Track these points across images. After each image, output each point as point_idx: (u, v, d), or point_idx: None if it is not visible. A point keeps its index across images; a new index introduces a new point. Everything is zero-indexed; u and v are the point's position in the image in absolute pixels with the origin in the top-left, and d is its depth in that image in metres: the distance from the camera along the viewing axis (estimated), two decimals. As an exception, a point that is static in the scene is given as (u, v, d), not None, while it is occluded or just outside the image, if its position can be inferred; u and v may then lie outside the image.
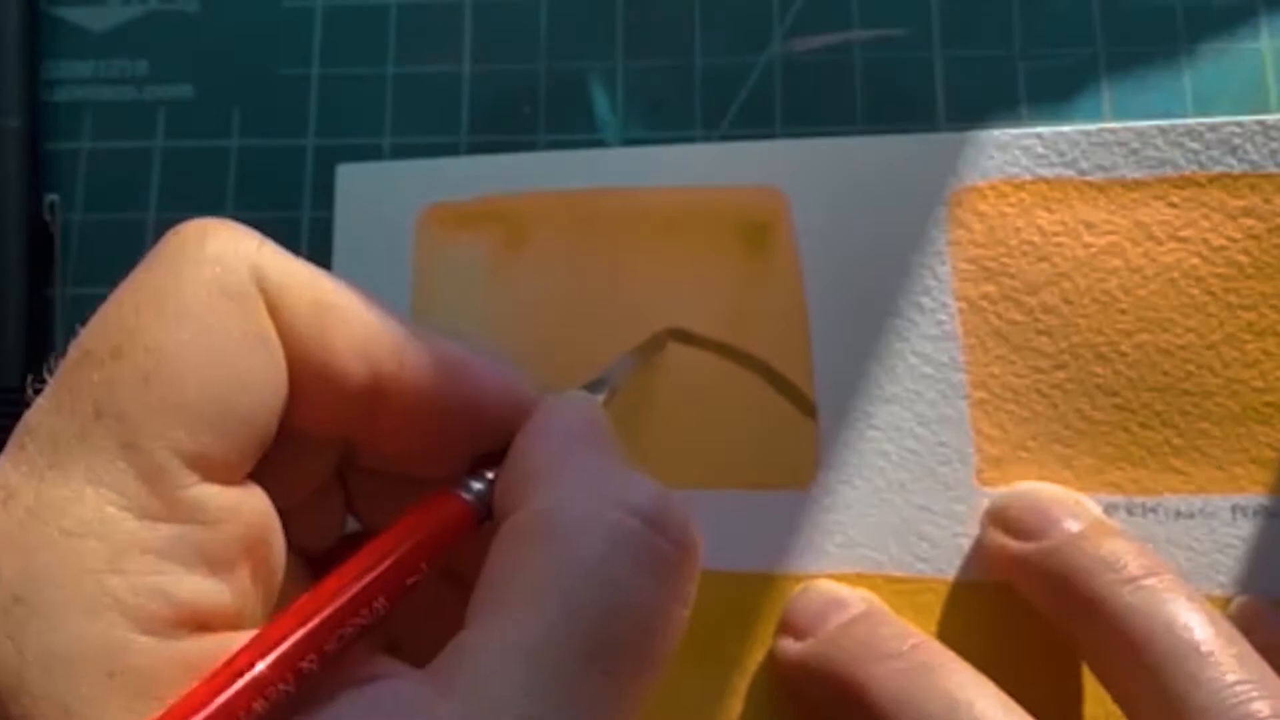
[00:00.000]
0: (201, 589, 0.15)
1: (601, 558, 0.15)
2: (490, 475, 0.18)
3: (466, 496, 0.17)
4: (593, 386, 0.22)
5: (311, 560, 0.19)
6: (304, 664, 0.14)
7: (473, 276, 0.26)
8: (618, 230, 0.26)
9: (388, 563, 0.16)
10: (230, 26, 0.29)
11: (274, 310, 0.16)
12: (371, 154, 0.28)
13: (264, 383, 0.16)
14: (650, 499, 0.16)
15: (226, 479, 0.15)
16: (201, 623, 0.14)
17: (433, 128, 0.28)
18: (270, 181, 0.28)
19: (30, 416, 0.15)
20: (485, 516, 0.18)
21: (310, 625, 0.15)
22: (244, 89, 0.29)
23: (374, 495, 0.19)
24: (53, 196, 0.28)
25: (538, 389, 0.19)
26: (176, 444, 0.15)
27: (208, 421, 0.15)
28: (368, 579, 0.16)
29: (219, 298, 0.16)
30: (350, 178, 0.27)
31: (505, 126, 0.28)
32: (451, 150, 0.28)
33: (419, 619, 0.17)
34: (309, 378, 0.17)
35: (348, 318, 0.17)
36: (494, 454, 0.18)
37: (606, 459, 0.17)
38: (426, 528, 0.17)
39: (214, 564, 0.15)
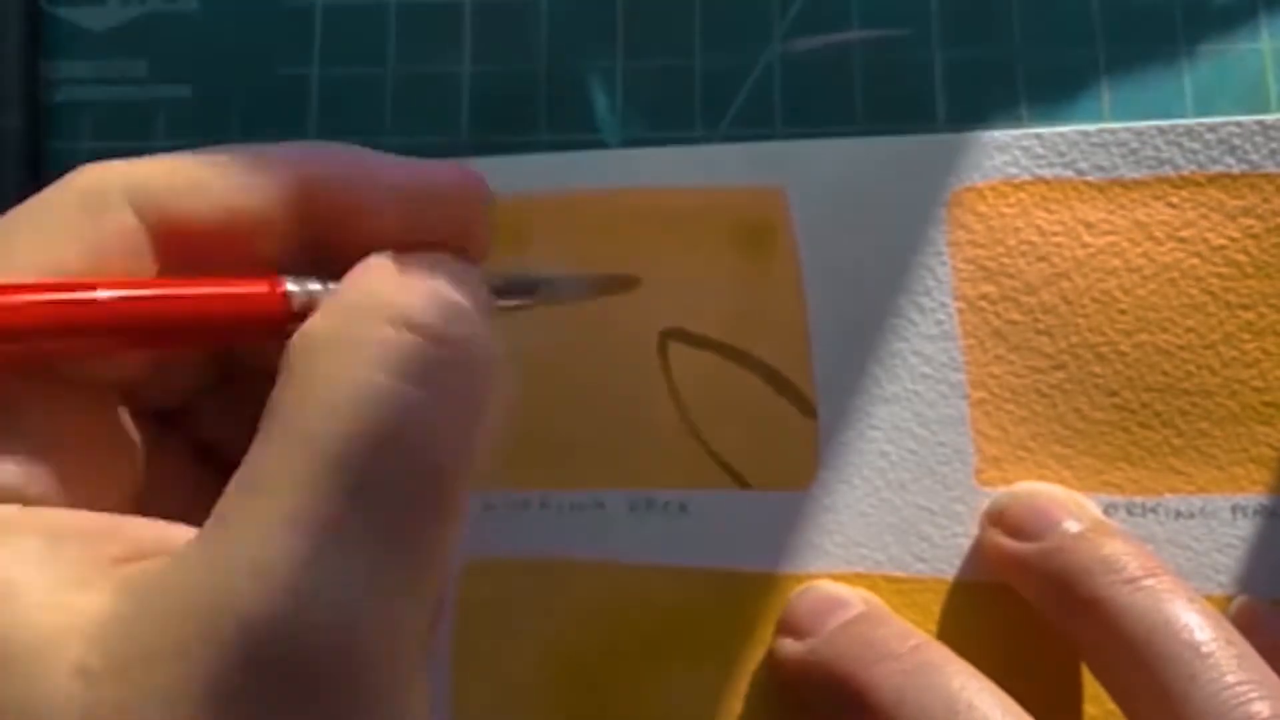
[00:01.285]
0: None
1: (344, 371, 0.14)
2: (331, 284, 0.17)
3: (291, 287, 0.16)
4: (512, 284, 0.20)
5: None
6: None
7: (473, 277, 0.26)
8: (617, 230, 0.26)
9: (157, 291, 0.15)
10: (230, 26, 0.29)
11: (159, 208, 0.16)
12: (371, 154, 0.28)
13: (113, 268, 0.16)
14: (423, 307, 0.15)
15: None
16: None
17: (433, 128, 0.28)
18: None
19: None
20: (290, 321, 0.16)
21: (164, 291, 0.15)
22: (244, 89, 0.29)
23: None
24: None
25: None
26: None
27: None
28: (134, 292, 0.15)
29: (76, 209, 0.16)
30: (350, 178, 0.27)
31: (505, 126, 0.28)
32: (451, 150, 0.28)
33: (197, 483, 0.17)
34: (221, 246, 0.16)
35: (232, 173, 0.17)
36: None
37: (403, 274, 0.16)
38: (226, 291, 0.16)
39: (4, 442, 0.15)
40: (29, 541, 0.14)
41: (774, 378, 0.25)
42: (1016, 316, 0.25)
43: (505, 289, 0.19)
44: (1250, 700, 0.19)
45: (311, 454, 0.14)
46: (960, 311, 0.25)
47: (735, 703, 0.24)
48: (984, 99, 0.27)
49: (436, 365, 0.15)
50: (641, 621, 0.24)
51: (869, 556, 0.24)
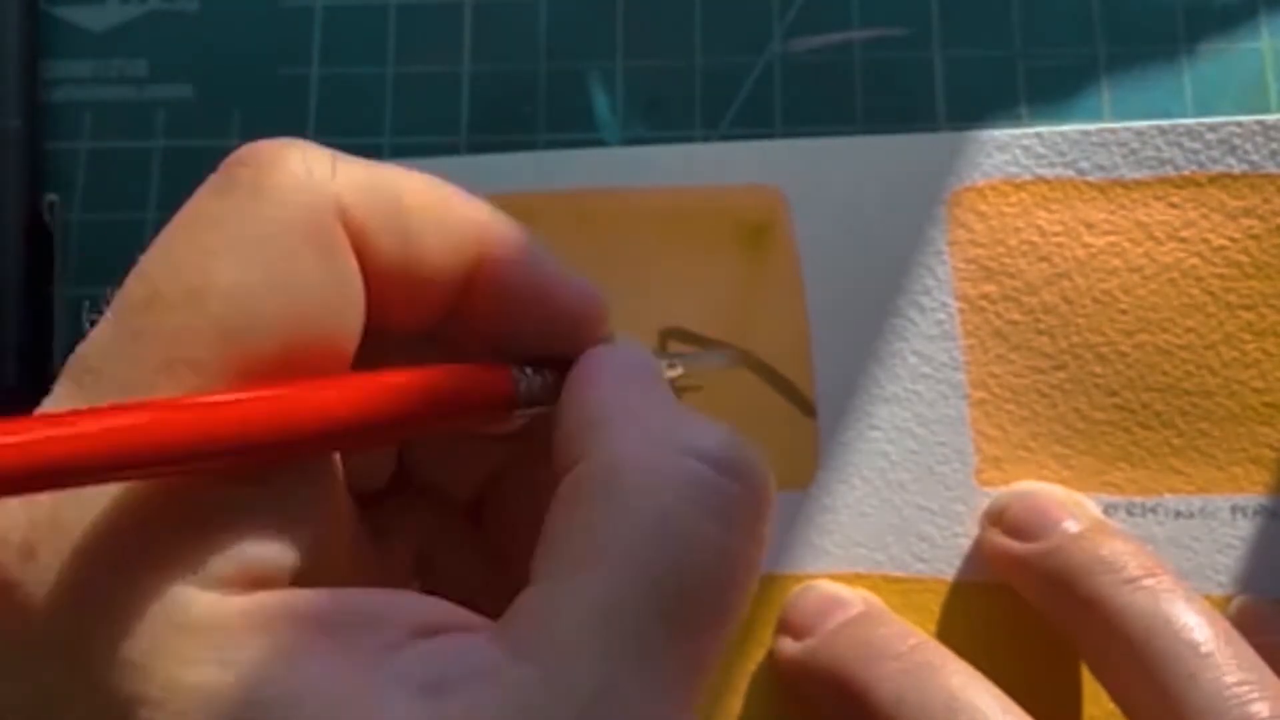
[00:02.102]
0: (266, 550, 0.14)
1: (669, 508, 0.15)
2: (547, 374, 0.17)
3: (515, 375, 0.17)
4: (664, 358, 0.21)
5: (364, 503, 0.18)
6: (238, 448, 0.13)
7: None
8: (617, 230, 0.26)
9: (400, 379, 0.15)
10: (230, 26, 0.29)
11: (356, 235, 0.16)
12: (371, 154, 0.28)
13: (343, 328, 0.15)
14: (715, 441, 0.16)
15: None
16: (264, 580, 0.14)
17: (433, 128, 0.28)
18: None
19: (89, 353, 0.14)
20: (526, 406, 0.17)
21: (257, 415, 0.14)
22: (244, 89, 0.29)
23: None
24: (52, 196, 0.28)
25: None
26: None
27: (278, 370, 0.14)
28: (371, 386, 0.15)
29: (299, 241, 0.15)
30: (350, 178, 0.27)
31: (505, 126, 0.28)
32: (451, 150, 0.28)
33: (451, 552, 0.17)
34: (394, 292, 0.16)
35: (429, 222, 0.16)
36: (557, 360, 0.18)
37: (665, 403, 0.17)
38: (463, 378, 0.16)
39: (282, 525, 0.14)
40: (288, 634, 0.13)
41: (774, 377, 0.25)
42: (1017, 316, 0.25)
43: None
44: (1250, 700, 0.19)
45: (646, 588, 0.14)
46: (961, 311, 0.25)
47: (735, 702, 0.24)
48: (984, 98, 0.27)
49: (739, 504, 0.15)
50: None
51: (869, 556, 0.24)
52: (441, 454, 0.19)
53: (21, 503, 0.13)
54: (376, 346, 0.17)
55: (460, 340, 0.18)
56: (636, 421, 0.16)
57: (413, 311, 0.17)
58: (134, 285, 0.15)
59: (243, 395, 0.14)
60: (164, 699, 0.13)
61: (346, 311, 0.15)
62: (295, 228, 0.15)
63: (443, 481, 0.19)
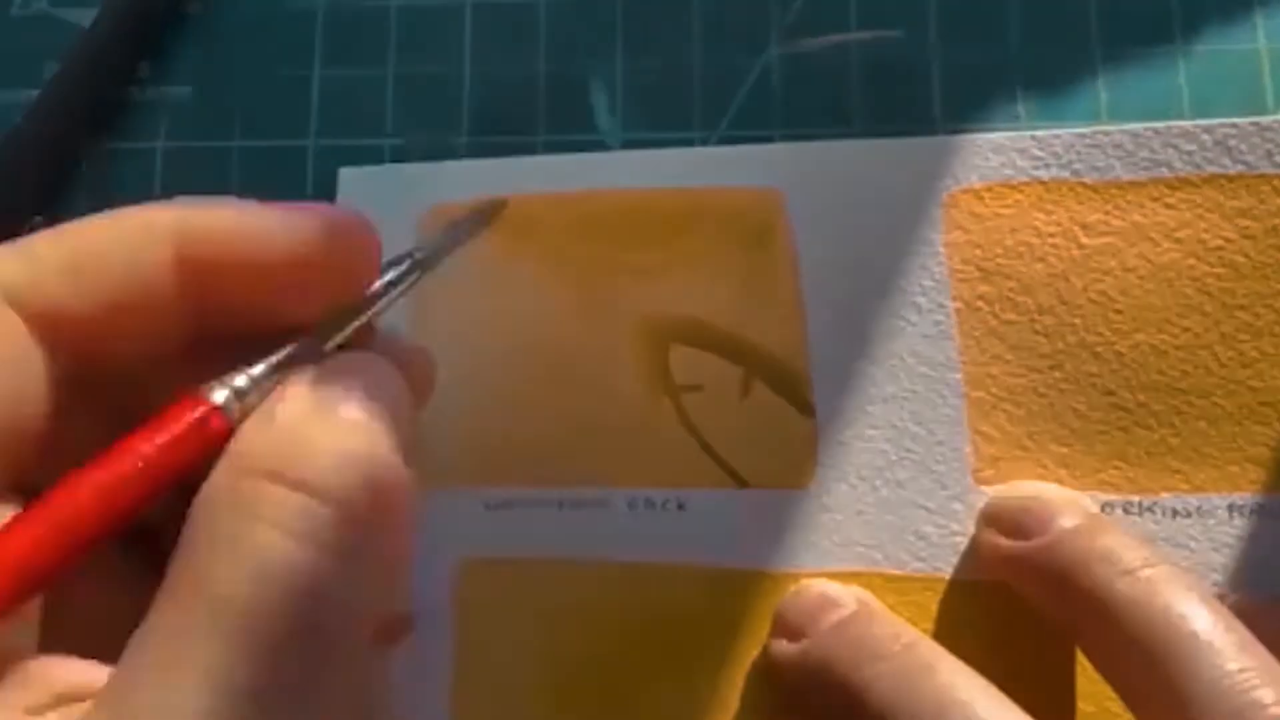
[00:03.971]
0: None
1: (242, 533, 0.14)
2: (255, 371, 0.16)
3: (218, 400, 0.16)
4: (402, 264, 0.20)
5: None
6: None
7: (473, 278, 0.26)
8: (617, 232, 0.26)
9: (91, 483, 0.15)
10: (230, 26, 0.30)
11: (22, 304, 0.16)
12: (372, 155, 0.28)
13: (13, 402, 0.15)
14: (308, 461, 0.15)
15: None
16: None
17: (433, 128, 0.28)
18: (270, 182, 0.28)
19: None
20: (233, 426, 0.16)
21: None
22: (246, 90, 0.29)
23: None
24: (37, 218, 0.28)
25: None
26: None
27: None
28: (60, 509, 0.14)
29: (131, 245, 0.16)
30: (352, 181, 0.27)
31: (505, 127, 0.28)
32: (451, 152, 0.28)
33: None
34: (110, 327, 0.16)
35: (98, 254, 0.16)
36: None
37: (297, 421, 0.16)
38: (160, 438, 0.15)
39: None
40: None
41: (772, 377, 0.25)
42: (1013, 317, 0.25)
43: (395, 279, 0.19)
44: (1254, 687, 0.19)
45: (214, 617, 0.14)
46: (958, 312, 0.25)
47: (733, 700, 0.24)
48: (981, 100, 0.27)
49: (326, 522, 0.15)
50: (639, 620, 0.25)
51: (866, 555, 0.24)
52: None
53: None
54: (95, 398, 0.17)
55: (227, 330, 0.17)
56: (249, 446, 0.16)
57: (151, 332, 0.17)
58: None
59: None
60: None
61: (17, 384, 0.15)
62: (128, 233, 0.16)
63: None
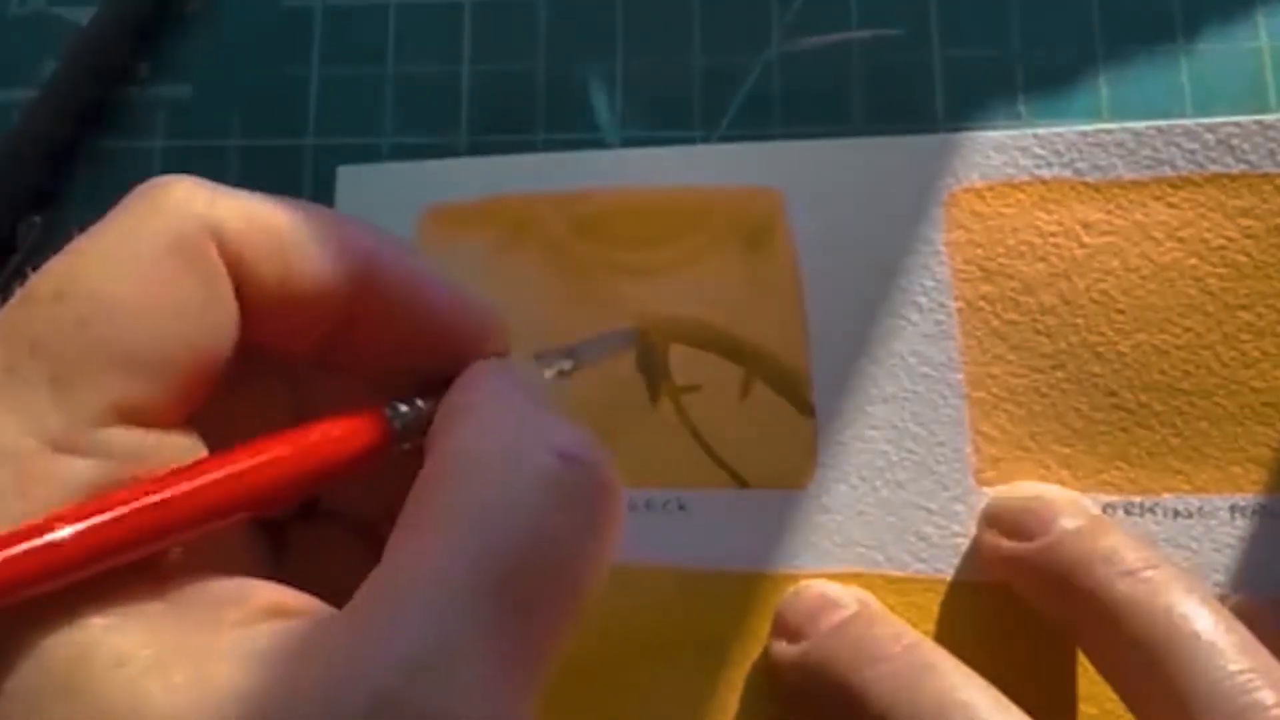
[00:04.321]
0: None
1: (521, 492, 0.15)
2: (421, 403, 0.18)
3: (388, 414, 0.17)
4: (551, 356, 0.22)
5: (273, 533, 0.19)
6: (137, 539, 0.14)
7: (473, 277, 0.26)
8: (617, 231, 0.26)
9: (274, 454, 0.16)
10: (230, 26, 0.30)
11: (233, 259, 0.16)
12: (371, 154, 0.28)
13: (203, 338, 0.16)
14: (568, 438, 0.16)
15: (155, 423, 0.15)
16: None
17: (433, 128, 0.28)
18: (270, 181, 0.28)
19: None
20: (404, 441, 0.17)
21: (155, 498, 0.14)
22: (244, 89, 0.29)
23: None
24: (35, 219, 0.28)
25: (500, 326, 0.19)
26: (102, 388, 0.15)
27: (139, 371, 0.15)
28: (245, 464, 0.15)
29: (165, 252, 0.16)
30: (351, 179, 0.27)
31: (505, 126, 0.28)
32: (451, 151, 0.28)
33: (333, 565, 0.17)
34: (276, 315, 0.17)
35: (309, 248, 0.17)
36: (442, 383, 0.18)
37: (526, 403, 0.17)
38: (336, 432, 0.16)
39: None
40: (149, 606, 0.14)
41: (773, 377, 0.25)
42: (1015, 316, 0.25)
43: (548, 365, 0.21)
44: (1255, 689, 0.19)
45: (483, 565, 0.14)
46: (959, 311, 0.25)
47: (733, 701, 0.24)
48: (982, 99, 0.27)
49: (586, 496, 0.16)
50: (640, 620, 0.24)
51: (867, 556, 0.24)
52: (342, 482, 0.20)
53: None
54: (263, 370, 0.18)
55: (352, 364, 0.18)
56: (492, 415, 0.17)
57: (297, 334, 0.17)
58: (14, 295, 0.16)
59: (103, 516, 0.14)
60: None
61: (211, 322, 0.16)
62: (162, 243, 0.16)
63: (347, 507, 0.19)
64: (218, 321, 0.16)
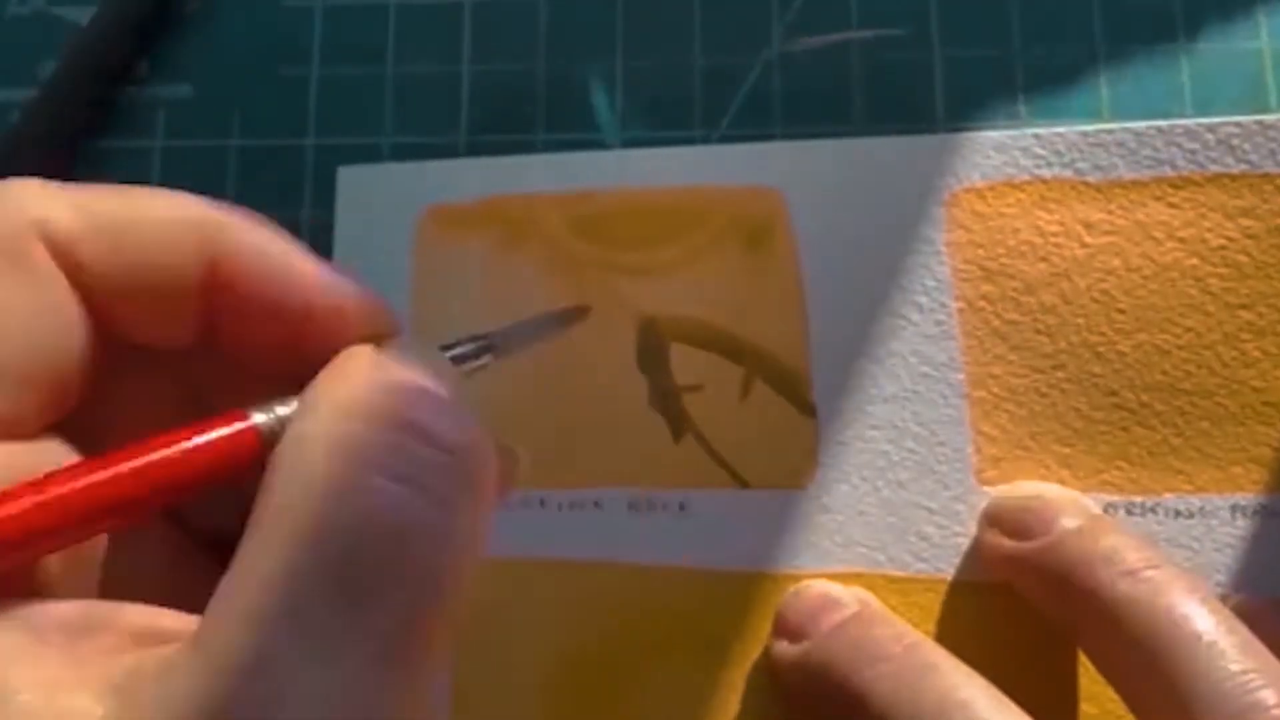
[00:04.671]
0: None
1: (338, 473, 0.14)
2: (283, 409, 0.16)
3: (259, 418, 0.16)
4: (464, 345, 0.20)
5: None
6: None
7: (472, 277, 0.26)
8: (618, 231, 0.26)
9: (127, 467, 0.15)
10: (230, 27, 0.29)
11: (64, 252, 0.16)
12: (371, 154, 0.28)
13: (44, 343, 0.15)
14: (426, 414, 0.15)
15: (10, 435, 0.15)
16: None
17: (432, 128, 0.28)
18: (270, 181, 0.28)
19: None
20: (266, 450, 0.16)
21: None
22: (244, 89, 0.29)
23: None
24: None
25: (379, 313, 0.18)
26: None
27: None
28: (96, 477, 0.14)
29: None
30: (351, 180, 0.27)
31: (505, 126, 0.28)
32: (450, 151, 0.28)
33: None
34: (125, 304, 0.16)
35: (146, 237, 0.16)
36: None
37: (390, 383, 0.16)
38: (202, 444, 0.15)
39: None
40: (13, 637, 0.14)
41: (773, 377, 0.25)
42: (1016, 316, 0.25)
43: (462, 357, 0.19)
44: (1256, 689, 0.18)
45: (313, 559, 0.14)
46: (960, 311, 0.25)
47: (734, 701, 0.24)
48: (983, 98, 0.27)
49: (431, 466, 0.15)
50: (641, 620, 0.24)
51: (868, 556, 0.24)
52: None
53: None
54: (144, 363, 0.17)
55: (235, 349, 0.17)
56: (338, 398, 0.15)
57: (162, 324, 0.17)
58: None
59: None
60: None
61: (52, 327, 0.16)
62: None
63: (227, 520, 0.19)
64: (57, 322, 0.16)
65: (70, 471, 0.15)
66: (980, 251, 0.25)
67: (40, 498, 0.14)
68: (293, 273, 0.17)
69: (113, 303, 0.16)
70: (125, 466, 0.15)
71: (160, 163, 0.29)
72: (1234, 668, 0.19)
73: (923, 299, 0.25)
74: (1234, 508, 0.24)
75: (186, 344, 0.17)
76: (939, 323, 0.25)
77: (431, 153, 0.28)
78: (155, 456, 0.15)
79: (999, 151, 0.26)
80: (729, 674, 0.24)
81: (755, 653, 0.24)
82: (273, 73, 0.29)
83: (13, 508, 0.14)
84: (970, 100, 0.27)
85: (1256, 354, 0.24)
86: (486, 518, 0.15)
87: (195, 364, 0.18)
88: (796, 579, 0.24)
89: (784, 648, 0.23)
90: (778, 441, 0.25)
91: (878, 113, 0.27)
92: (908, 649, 0.21)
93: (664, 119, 0.28)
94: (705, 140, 0.28)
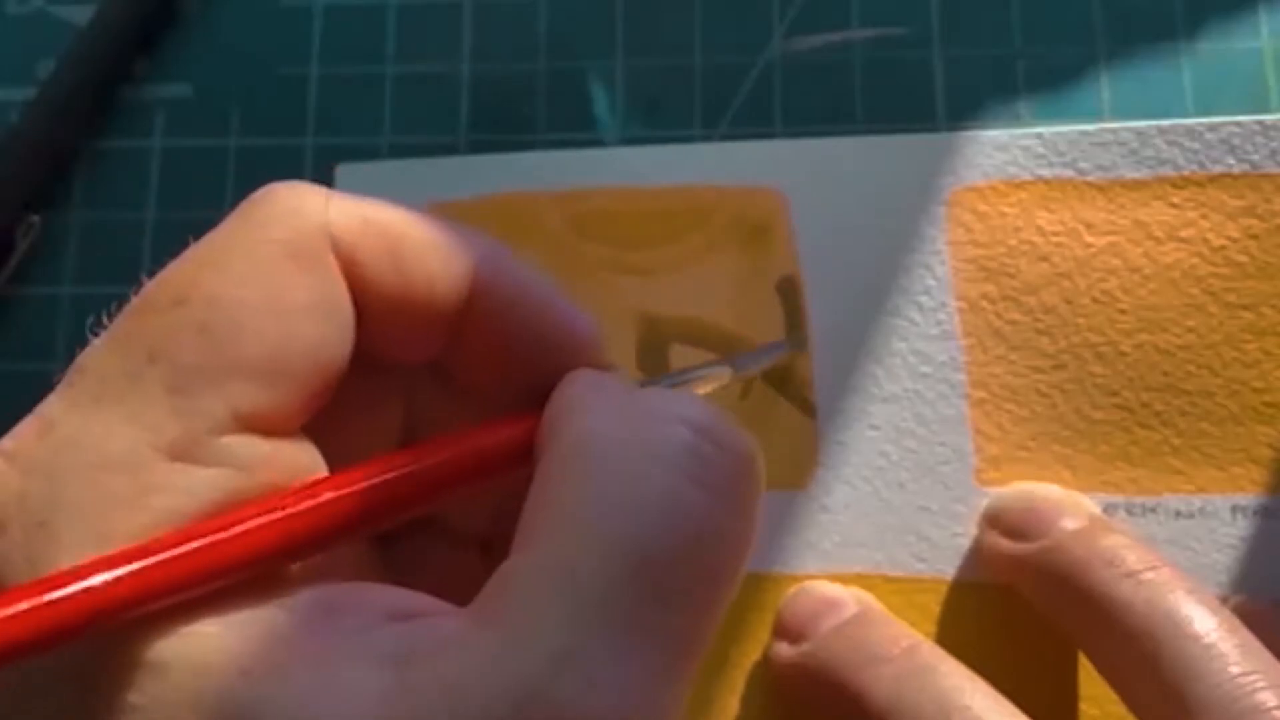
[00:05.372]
0: None
1: (644, 473, 0.14)
2: None
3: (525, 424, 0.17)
4: (700, 370, 0.21)
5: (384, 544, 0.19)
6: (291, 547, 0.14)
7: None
8: (617, 230, 0.26)
9: (420, 464, 0.15)
10: (230, 26, 0.29)
11: (348, 262, 0.16)
12: (370, 154, 0.28)
13: (323, 343, 0.16)
14: (699, 410, 0.15)
15: (274, 431, 0.15)
16: None
17: (432, 128, 0.28)
18: (269, 181, 0.28)
19: (83, 357, 0.15)
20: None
21: (295, 509, 0.14)
22: (243, 89, 0.29)
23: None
24: (34, 218, 0.28)
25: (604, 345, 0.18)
26: (223, 395, 0.15)
27: (258, 378, 0.15)
28: (390, 474, 0.15)
29: (282, 257, 0.16)
30: (349, 177, 0.27)
31: (505, 126, 0.28)
32: (450, 150, 0.28)
33: (458, 582, 0.17)
34: (390, 320, 0.17)
35: (423, 253, 0.17)
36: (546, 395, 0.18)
37: (641, 391, 0.17)
38: (476, 441, 0.16)
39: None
40: (273, 617, 0.14)
41: (773, 377, 0.25)
42: (1017, 316, 0.25)
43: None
44: (1256, 690, 0.18)
45: (616, 553, 0.14)
46: (960, 311, 0.25)
47: (733, 702, 0.24)
48: (984, 97, 0.27)
49: (724, 470, 0.15)
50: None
51: (868, 556, 0.24)
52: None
53: None
54: (376, 377, 0.17)
55: (460, 370, 0.18)
56: (609, 399, 0.16)
57: (410, 341, 0.17)
58: (131, 300, 0.16)
59: (248, 524, 0.14)
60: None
61: (330, 327, 0.16)
62: (279, 247, 0.16)
63: (456, 518, 0.19)
64: (336, 326, 0.16)
65: (363, 470, 0.15)
66: (981, 251, 0.25)
67: (342, 492, 0.15)
68: (542, 308, 0.18)
69: (381, 317, 0.17)
70: (421, 464, 0.16)
71: (160, 162, 0.29)
72: (1234, 669, 0.19)
73: (923, 299, 0.25)
74: (1234, 508, 0.24)
75: (423, 361, 0.18)
76: (939, 322, 0.25)
77: (431, 152, 0.28)
78: (441, 456, 0.16)
79: (1000, 151, 0.26)
80: (729, 675, 0.24)
81: (755, 654, 0.24)
82: (272, 72, 0.29)
83: (317, 498, 0.15)
84: (971, 100, 0.27)
85: (1257, 354, 0.24)
86: (758, 513, 0.16)
87: (418, 380, 0.18)
88: (796, 580, 0.24)
89: (784, 649, 0.23)
90: (778, 441, 0.25)
91: (878, 112, 0.27)
92: (907, 650, 0.21)
93: (664, 119, 0.28)
94: (706, 139, 0.28)
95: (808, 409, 0.25)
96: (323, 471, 0.16)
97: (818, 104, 0.28)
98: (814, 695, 0.22)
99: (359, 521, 0.15)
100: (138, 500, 0.14)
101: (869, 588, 0.24)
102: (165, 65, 0.29)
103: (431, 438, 0.16)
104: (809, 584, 0.24)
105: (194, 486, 0.14)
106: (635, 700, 0.13)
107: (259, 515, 0.14)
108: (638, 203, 0.26)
